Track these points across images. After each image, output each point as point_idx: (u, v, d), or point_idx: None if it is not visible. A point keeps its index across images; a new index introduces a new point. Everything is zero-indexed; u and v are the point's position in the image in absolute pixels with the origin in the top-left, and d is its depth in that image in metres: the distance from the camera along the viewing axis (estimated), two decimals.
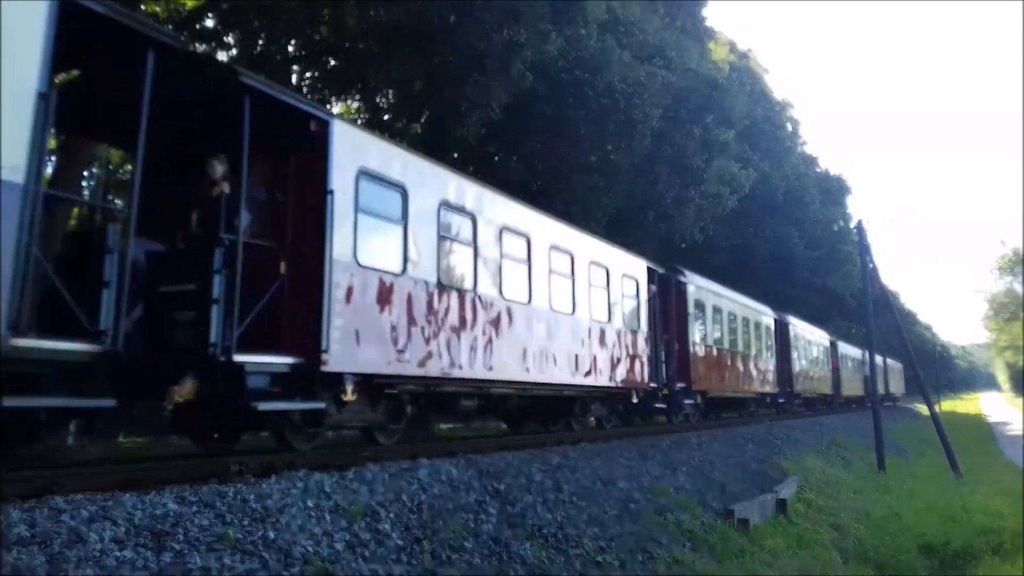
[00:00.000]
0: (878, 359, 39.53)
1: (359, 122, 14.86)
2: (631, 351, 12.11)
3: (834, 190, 38.58)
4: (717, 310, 16.53)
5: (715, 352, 16.10)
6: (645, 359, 12.67)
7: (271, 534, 4.17)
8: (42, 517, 3.61)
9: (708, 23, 24.50)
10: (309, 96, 13.33)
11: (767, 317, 20.24)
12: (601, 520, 6.59)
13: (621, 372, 11.66)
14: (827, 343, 29.31)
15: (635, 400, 12.57)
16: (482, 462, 6.67)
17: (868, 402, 36.77)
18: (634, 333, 12.31)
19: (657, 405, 13.53)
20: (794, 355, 22.75)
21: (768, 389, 19.74)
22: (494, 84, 11.87)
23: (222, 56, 12.91)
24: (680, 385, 14.01)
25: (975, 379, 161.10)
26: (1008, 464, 19.99)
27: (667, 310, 14.06)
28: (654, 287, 13.58)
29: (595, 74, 13.92)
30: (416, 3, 10.99)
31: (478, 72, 11.72)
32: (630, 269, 12.56)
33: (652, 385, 12.93)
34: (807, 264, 32.49)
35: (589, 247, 11.24)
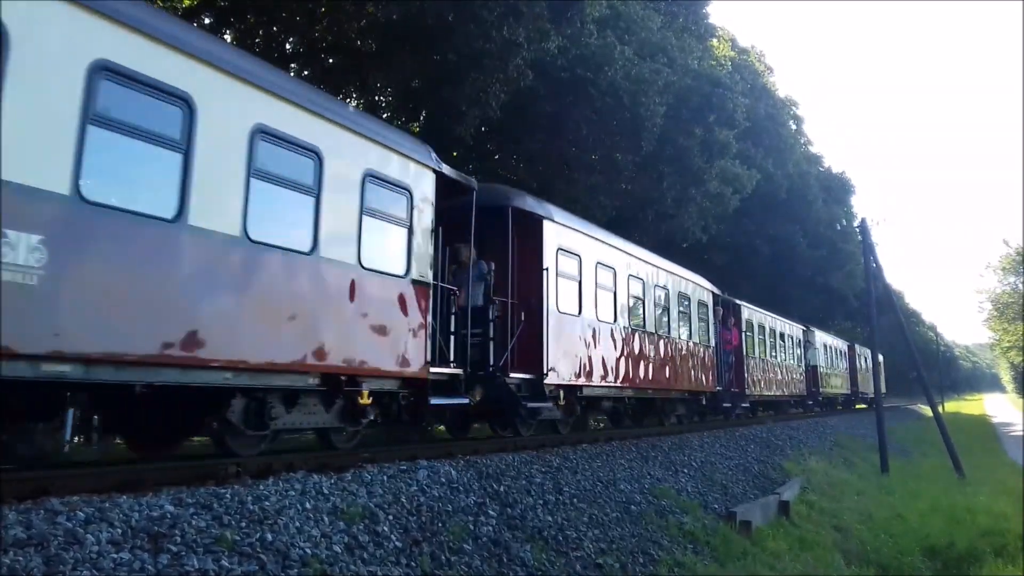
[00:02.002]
0: (840, 343, 31.01)
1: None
2: None
3: (837, 188, 38.50)
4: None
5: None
6: None
7: (269, 536, 4.15)
8: (38, 519, 3.59)
9: (711, 20, 24.45)
10: None
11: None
12: (602, 522, 6.56)
13: None
14: (706, 297, 15.18)
15: None
16: (482, 463, 6.64)
17: (813, 404, 24.78)
18: None
19: None
20: (592, 301, 10.17)
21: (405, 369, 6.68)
22: (493, 83, 11.85)
23: None
24: None
25: (979, 380, 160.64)
26: (1012, 465, 19.94)
27: None
28: None
29: (597, 71, 13.88)
30: (415, 2, 10.96)
31: (477, 71, 11.70)
32: None
33: None
34: (809, 263, 32.39)
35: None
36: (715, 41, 25.06)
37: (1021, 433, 33.60)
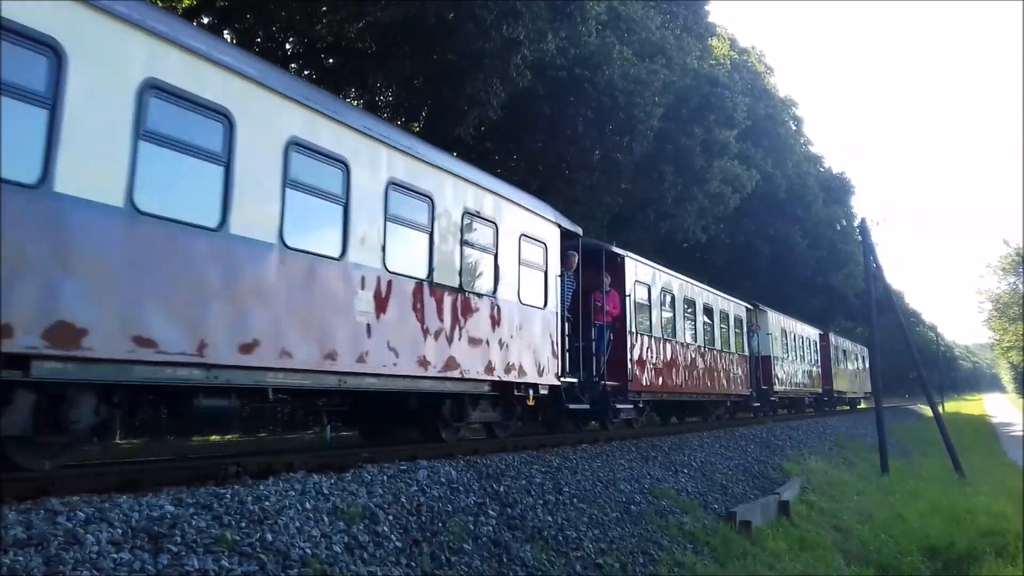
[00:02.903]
0: (810, 331, 25.27)
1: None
2: None
3: (837, 189, 38.56)
4: None
5: None
6: None
7: (269, 536, 4.14)
8: (39, 519, 3.59)
9: (710, 19, 24.52)
10: None
11: None
12: (602, 522, 6.56)
13: None
14: (542, 231, 9.45)
15: None
16: (482, 463, 6.64)
17: (761, 407, 19.21)
18: None
19: None
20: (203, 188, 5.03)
21: None
22: (493, 83, 11.88)
23: None
24: None
25: (979, 380, 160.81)
26: (1012, 465, 19.96)
27: None
28: None
29: (595, 71, 13.91)
30: (415, 2, 10.99)
31: (477, 71, 11.73)
32: None
33: None
34: (809, 263, 32.42)
35: None
36: (714, 41, 25.10)
37: (1021, 433, 33.62)
